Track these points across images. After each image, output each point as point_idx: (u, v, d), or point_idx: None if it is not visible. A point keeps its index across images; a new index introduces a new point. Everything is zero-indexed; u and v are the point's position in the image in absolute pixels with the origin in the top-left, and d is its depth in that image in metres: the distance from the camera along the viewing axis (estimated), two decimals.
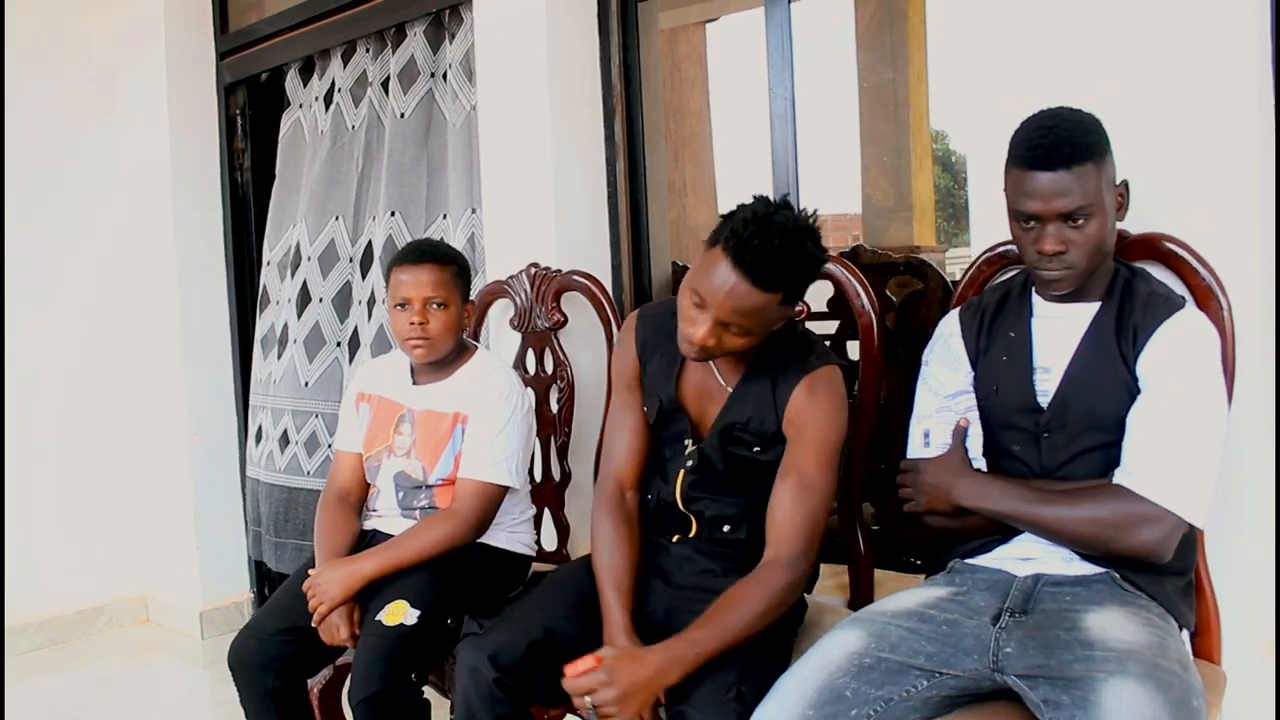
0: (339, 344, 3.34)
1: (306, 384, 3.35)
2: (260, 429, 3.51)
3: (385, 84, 3.21)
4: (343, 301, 3.34)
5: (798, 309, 1.82)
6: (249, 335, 3.87)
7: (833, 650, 1.60)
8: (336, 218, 3.32)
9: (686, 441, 1.91)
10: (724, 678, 1.65)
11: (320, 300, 3.33)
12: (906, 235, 4.23)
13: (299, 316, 3.36)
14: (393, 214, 3.14)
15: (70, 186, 3.89)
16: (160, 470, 3.98)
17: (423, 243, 2.31)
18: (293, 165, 3.50)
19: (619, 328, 2.44)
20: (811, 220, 1.73)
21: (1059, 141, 1.60)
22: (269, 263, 3.53)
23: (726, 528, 1.90)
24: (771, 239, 1.64)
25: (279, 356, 3.43)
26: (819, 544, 1.80)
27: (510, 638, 1.81)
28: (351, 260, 3.31)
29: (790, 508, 1.77)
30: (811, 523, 1.77)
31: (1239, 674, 1.78)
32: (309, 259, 3.34)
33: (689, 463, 1.90)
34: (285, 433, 3.40)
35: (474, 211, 3.02)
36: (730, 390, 1.87)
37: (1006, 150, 1.67)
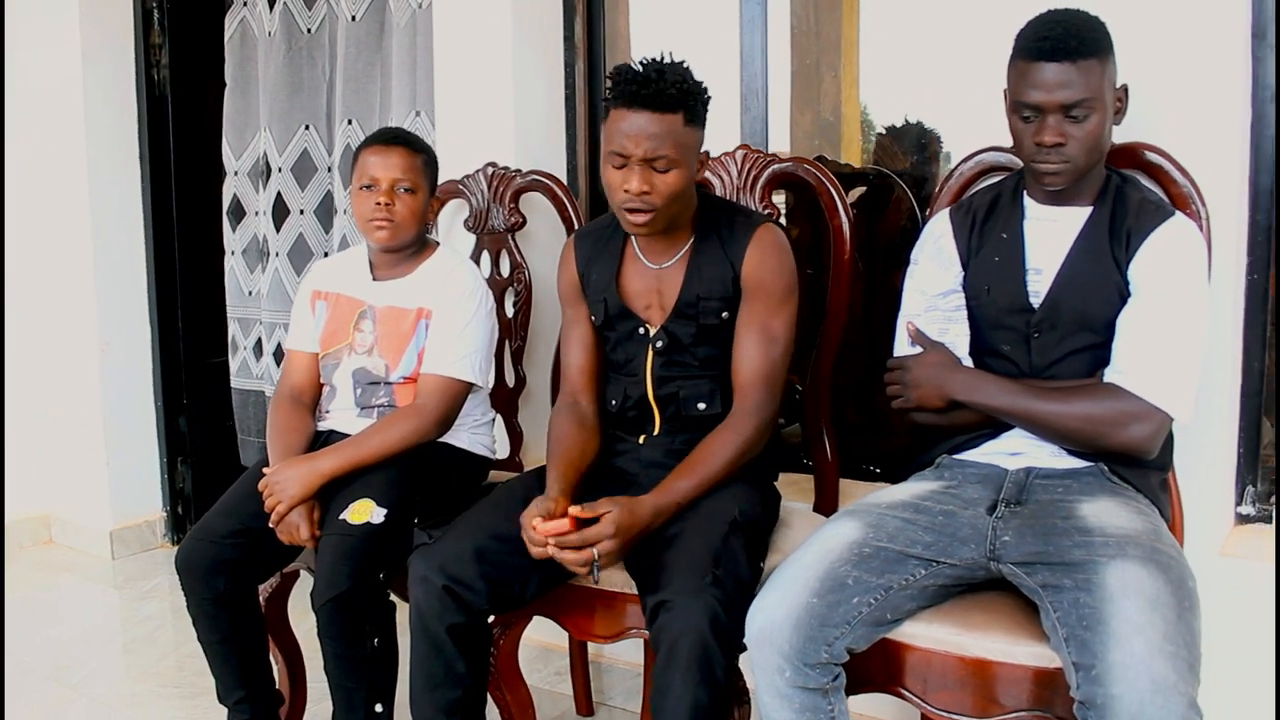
0: (326, 254, 3.20)
1: None
2: (259, 342, 3.37)
3: None
4: (325, 212, 3.21)
5: (701, 153, 1.87)
6: (170, 242, 3.69)
7: (832, 540, 1.60)
8: (306, 127, 3.18)
9: (642, 330, 1.95)
10: (701, 565, 1.65)
11: (301, 212, 3.20)
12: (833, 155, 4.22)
13: (278, 230, 3.23)
14: (349, 122, 3.04)
15: None
16: (67, 382, 3.77)
17: (395, 128, 2.23)
18: (244, 69, 3.31)
19: None
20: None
21: (1066, 34, 1.61)
22: (236, 172, 3.36)
23: (702, 405, 1.93)
24: (649, 71, 1.76)
25: (264, 270, 3.30)
26: (781, 390, 1.91)
27: (459, 546, 1.80)
28: (330, 170, 3.17)
29: (755, 358, 1.87)
30: (774, 371, 1.88)
31: (1196, 571, 1.84)
32: (279, 170, 3.20)
33: (658, 344, 1.93)
34: (279, 346, 3.27)
35: (418, 114, 2.92)
36: (682, 270, 1.92)
37: (1012, 46, 1.67)
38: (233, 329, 3.44)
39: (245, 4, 3.30)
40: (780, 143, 2.72)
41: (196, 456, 3.86)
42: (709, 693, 1.60)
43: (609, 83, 1.80)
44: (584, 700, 2.51)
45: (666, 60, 1.79)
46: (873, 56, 3.15)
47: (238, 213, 3.40)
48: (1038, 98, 1.61)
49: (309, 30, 3.16)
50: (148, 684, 2.74)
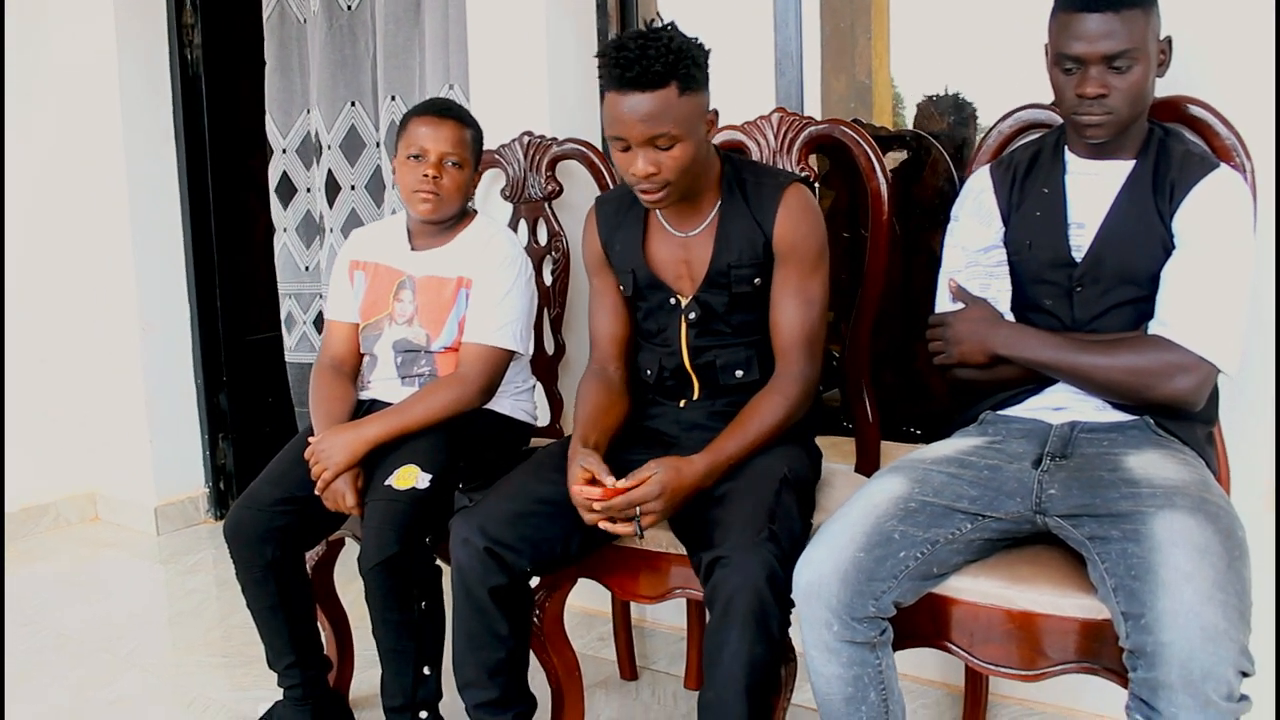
0: None
1: None
2: (319, 316, 3.39)
3: None
4: (376, 187, 3.23)
5: (709, 113, 1.79)
6: (206, 221, 3.74)
7: (878, 495, 1.60)
8: (352, 103, 3.20)
9: (674, 301, 1.93)
10: (756, 520, 1.65)
11: (352, 188, 3.22)
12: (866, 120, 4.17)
13: (330, 206, 3.25)
14: (392, 98, 3.05)
15: (13, 69, 3.67)
16: (110, 362, 3.83)
17: (446, 100, 2.24)
18: (285, 48, 3.32)
19: None
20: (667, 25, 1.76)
21: None
22: (284, 150, 3.38)
23: (739, 372, 1.92)
24: (632, 49, 1.68)
25: (320, 245, 3.32)
26: (822, 352, 1.91)
27: (500, 508, 1.81)
28: (379, 145, 3.19)
29: (795, 322, 1.87)
30: (815, 333, 1.88)
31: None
32: (329, 147, 3.22)
33: (690, 315, 1.91)
34: None
35: (452, 87, 2.93)
36: (710, 237, 1.89)
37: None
38: (288, 305, 3.45)
39: None
40: (813, 107, 2.70)
41: (237, 433, 3.92)
42: (765, 648, 1.61)
43: (598, 65, 1.74)
44: (627, 665, 2.54)
45: (650, 29, 1.71)
46: (905, 20, 3.14)
47: (286, 190, 3.41)
48: (1080, 49, 1.60)
49: (349, 7, 3.18)
50: (196, 655, 2.79)
